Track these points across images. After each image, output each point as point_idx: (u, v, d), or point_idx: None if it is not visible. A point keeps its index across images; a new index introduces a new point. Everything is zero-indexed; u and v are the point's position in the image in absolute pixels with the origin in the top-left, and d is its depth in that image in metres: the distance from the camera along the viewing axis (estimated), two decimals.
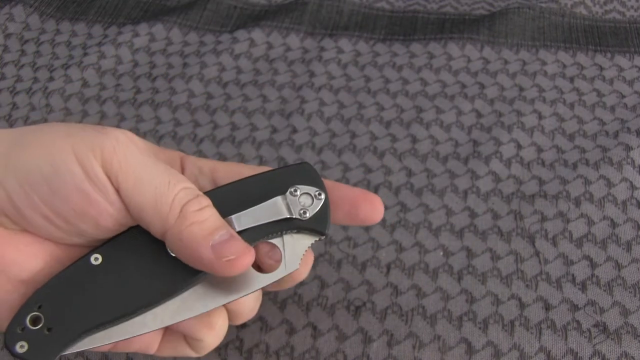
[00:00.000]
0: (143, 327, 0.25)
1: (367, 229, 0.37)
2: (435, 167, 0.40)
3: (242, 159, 0.41)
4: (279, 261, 0.27)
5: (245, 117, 0.44)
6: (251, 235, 0.26)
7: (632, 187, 0.38)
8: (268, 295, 0.34)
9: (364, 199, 0.29)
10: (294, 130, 0.42)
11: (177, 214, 0.24)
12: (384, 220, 0.37)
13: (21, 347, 0.23)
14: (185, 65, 0.47)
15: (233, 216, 0.26)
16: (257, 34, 0.49)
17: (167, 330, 0.28)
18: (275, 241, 0.27)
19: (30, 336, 0.23)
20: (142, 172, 0.24)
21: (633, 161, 0.40)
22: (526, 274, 0.35)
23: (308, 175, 0.28)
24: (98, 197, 0.24)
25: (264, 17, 0.51)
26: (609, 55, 0.47)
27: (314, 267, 0.35)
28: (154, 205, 0.24)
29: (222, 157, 0.41)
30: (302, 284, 0.35)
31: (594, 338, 0.32)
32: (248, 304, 0.28)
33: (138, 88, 0.46)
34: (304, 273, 0.29)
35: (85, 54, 0.48)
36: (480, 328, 0.33)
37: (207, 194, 0.26)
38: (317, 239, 0.27)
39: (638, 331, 0.32)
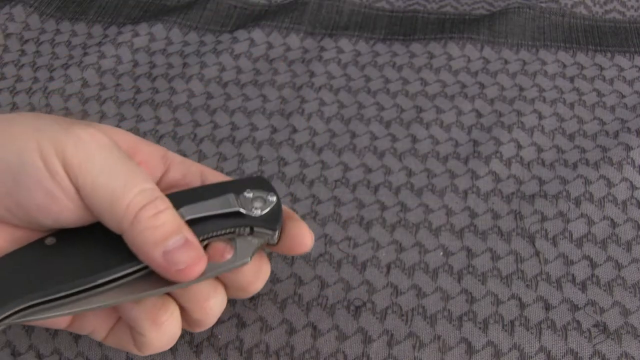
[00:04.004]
0: (88, 304, 0.25)
1: (367, 229, 0.37)
2: (435, 167, 0.40)
3: (242, 159, 0.41)
4: (231, 256, 0.27)
5: (245, 117, 0.44)
6: (202, 229, 0.27)
7: (632, 187, 0.38)
8: (268, 295, 0.34)
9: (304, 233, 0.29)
10: (294, 130, 0.42)
11: (131, 219, 0.24)
12: (384, 220, 0.37)
13: None
14: (185, 65, 0.47)
15: (183, 208, 0.26)
16: (257, 34, 0.49)
17: (118, 321, 0.28)
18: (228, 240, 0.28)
19: None
20: (100, 174, 0.24)
21: (633, 161, 0.40)
22: (526, 274, 0.35)
23: (262, 183, 0.29)
24: (60, 194, 0.24)
25: (264, 17, 0.51)
26: (609, 55, 0.47)
27: (314, 267, 0.35)
28: (110, 209, 0.24)
29: (222, 157, 0.41)
30: (302, 283, 0.35)
31: (594, 338, 0.32)
32: (202, 303, 0.28)
33: (138, 88, 0.46)
34: (258, 281, 0.29)
35: (85, 54, 0.48)
36: (480, 328, 0.33)
37: (167, 195, 0.26)
38: (269, 237, 0.28)
39: (638, 331, 0.32)
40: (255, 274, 0.29)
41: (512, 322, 0.33)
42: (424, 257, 0.36)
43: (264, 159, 0.41)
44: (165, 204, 0.25)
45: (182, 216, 0.26)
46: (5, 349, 0.33)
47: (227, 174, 0.40)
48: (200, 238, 0.27)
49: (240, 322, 0.33)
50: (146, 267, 0.26)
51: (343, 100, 0.44)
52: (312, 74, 0.46)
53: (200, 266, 0.25)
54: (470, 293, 0.34)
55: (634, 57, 0.46)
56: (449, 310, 0.34)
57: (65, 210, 0.25)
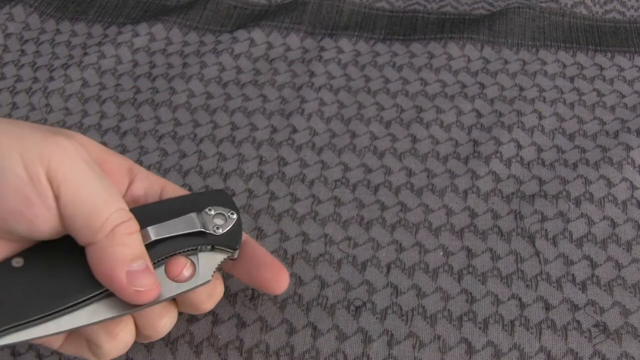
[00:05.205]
0: (57, 327, 0.26)
1: (367, 229, 0.37)
2: (435, 167, 0.40)
3: (242, 159, 0.41)
4: (193, 274, 0.28)
5: (245, 117, 0.44)
6: (166, 248, 0.28)
7: (632, 187, 0.38)
8: (268, 295, 0.34)
9: (269, 265, 0.31)
10: (294, 130, 0.42)
11: (107, 232, 0.25)
12: (384, 220, 0.37)
13: None
14: (185, 65, 0.47)
15: (149, 227, 0.27)
16: (257, 34, 0.49)
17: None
18: (191, 257, 0.29)
19: None
20: (83, 186, 0.25)
21: (633, 161, 0.40)
22: (526, 274, 0.35)
23: (223, 199, 0.30)
24: (37, 201, 0.25)
25: (264, 17, 0.51)
26: (609, 55, 0.47)
27: (314, 267, 0.35)
28: (87, 219, 0.25)
29: (222, 157, 0.41)
30: (302, 283, 0.35)
31: (594, 338, 0.32)
32: (154, 321, 0.29)
33: (138, 88, 0.46)
34: (209, 301, 0.30)
35: (85, 54, 0.48)
36: (480, 328, 0.33)
37: (132, 210, 0.27)
38: (230, 255, 0.30)
39: (638, 331, 0.32)
40: (209, 295, 0.30)
41: (512, 322, 0.33)
42: (424, 257, 0.36)
43: (264, 159, 0.41)
44: (136, 226, 0.27)
45: (149, 236, 0.27)
46: (5, 348, 0.33)
47: (227, 174, 0.40)
48: (165, 256, 0.28)
49: (240, 322, 0.33)
50: (106, 290, 0.26)
51: (343, 100, 0.44)
52: (312, 74, 0.46)
53: (155, 293, 0.26)
54: (470, 293, 0.34)
55: (634, 57, 0.46)
56: (449, 310, 0.34)
57: (39, 217, 0.25)
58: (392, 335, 0.33)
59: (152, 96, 0.45)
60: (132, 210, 0.27)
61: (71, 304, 0.26)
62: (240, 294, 0.34)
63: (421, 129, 0.42)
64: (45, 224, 0.25)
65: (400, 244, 0.36)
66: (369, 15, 0.51)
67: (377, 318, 0.33)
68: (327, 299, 0.34)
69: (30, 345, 0.33)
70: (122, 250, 0.25)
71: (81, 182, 0.25)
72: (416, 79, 0.46)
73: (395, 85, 0.45)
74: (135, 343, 0.32)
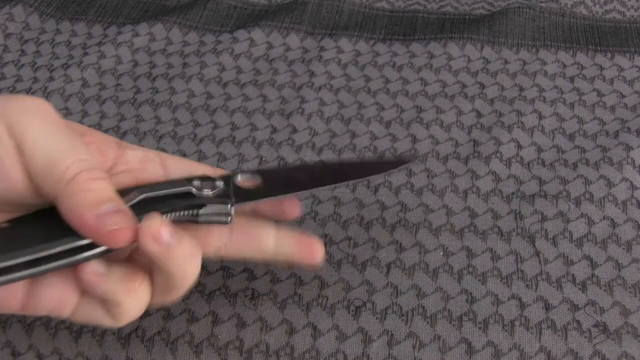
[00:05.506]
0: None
1: (367, 229, 0.37)
2: (435, 167, 0.40)
3: (242, 159, 0.41)
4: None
5: (245, 117, 0.44)
6: (155, 208, 0.27)
7: (632, 187, 0.38)
8: (268, 295, 0.34)
9: (280, 201, 0.31)
10: (294, 130, 0.42)
11: (67, 180, 0.25)
12: (384, 220, 0.37)
13: None
14: (185, 65, 0.47)
15: (136, 189, 0.27)
16: (257, 34, 0.49)
17: (85, 294, 0.28)
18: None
19: None
20: (41, 138, 0.25)
21: (633, 161, 0.40)
22: (526, 274, 0.35)
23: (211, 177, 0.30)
24: (5, 159, 0.25)
25: (264, 17, 0.51)
26: (609, 55, 0.47)
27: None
28: (49, 170, 0.25)
29: (222, 157, 0.41)
30: (302, 283, 0.35)
31: (594, 338, 0.32)
32: (177, 273, 0.27)
33: (138, 88, 0.46)
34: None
35: (85, 54, 0.48)
36: (480, 328, 0.33)
37: (128, 189, 0.27)
38: (223, 217, 0.29)
39: (638, 331, 0.32)
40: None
41: (512, 322, 0.33)
42: (424, 257, 0.36)
43: (264, 159, 0.41)
44: (102, 174, 0.26)
45: (136, 196, 0.27)
46: (5, 348, 0.33)
47: None
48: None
49: (240, 322, 0.33)
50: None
51: (343, 100, 0.44)
52: (312, 74, 0.46)
53: (131, 232, 0.25)
54: (470, 293, 0.34)
55: (634, 57, 0.46)
56: (449, 310, 0.34)
57: (11, 176, 0.25)
58: (392, 335, 0.33)
59: (152, 96, 0.45)
60: (128, 189, 0.27)
61: (55, 251, 0.25)
62: (240, 294, 0.34)
63: (421, 129, 0.42)
64: (18, 183, 0.25)
65: (400, 244, 0.36)
66: (369, 15, 0.52)
67: (377, 318, 0.33)
68: (327, 299, 0.34)
69: (30, 345, 0.33)
70: (86, 195, 0.25)
71: (39, 135, 0.25)
72: (416, 79, 0.46)
73: (395, 85, 0.45)
74: (135, 342, 0.32)
